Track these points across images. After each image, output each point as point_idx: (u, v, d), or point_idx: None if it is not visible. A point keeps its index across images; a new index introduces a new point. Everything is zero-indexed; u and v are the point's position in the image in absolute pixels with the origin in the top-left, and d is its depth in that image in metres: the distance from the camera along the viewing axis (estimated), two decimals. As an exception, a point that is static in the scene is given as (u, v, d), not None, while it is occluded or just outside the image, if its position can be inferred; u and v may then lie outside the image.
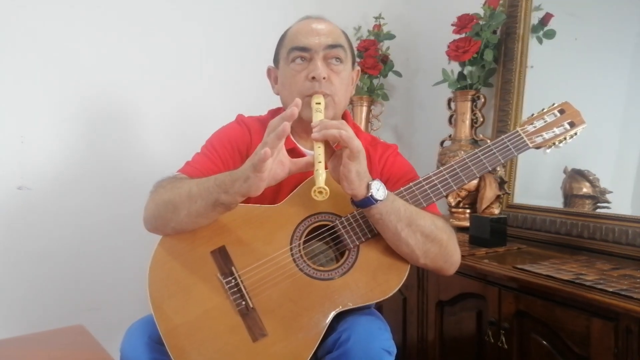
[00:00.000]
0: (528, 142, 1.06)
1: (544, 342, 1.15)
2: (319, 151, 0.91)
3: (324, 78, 1.06)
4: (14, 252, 1.59)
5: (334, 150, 0.94)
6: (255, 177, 0.89)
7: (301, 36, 1.09)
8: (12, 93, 1.57)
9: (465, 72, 1.76)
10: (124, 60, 1.72)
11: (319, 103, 1.03)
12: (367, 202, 0.92)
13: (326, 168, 0.92)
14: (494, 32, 1.70)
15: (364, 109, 2.05)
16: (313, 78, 1.06)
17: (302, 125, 1.12)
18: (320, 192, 0.87)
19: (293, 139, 1.13)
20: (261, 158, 0.86)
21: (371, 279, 0.98)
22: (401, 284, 0.99)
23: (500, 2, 1.69)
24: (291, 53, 1.09)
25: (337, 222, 1.01)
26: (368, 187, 0.92)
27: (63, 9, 1.62)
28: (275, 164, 0.92)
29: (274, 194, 1.08)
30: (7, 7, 1.55)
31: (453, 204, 1.74)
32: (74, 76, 1.65)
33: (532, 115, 1.10)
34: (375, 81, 2.04)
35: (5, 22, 1.55)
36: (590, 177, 1.47)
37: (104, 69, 1.69)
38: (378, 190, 0.92)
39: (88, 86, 1.67)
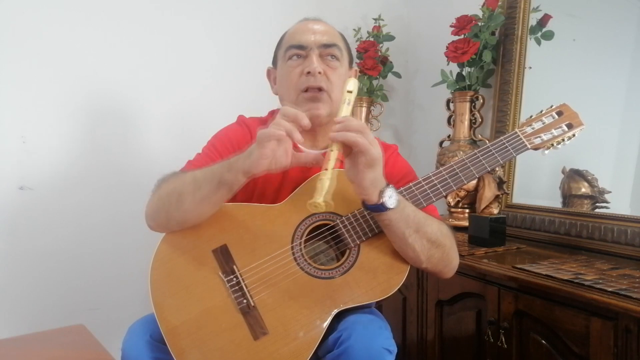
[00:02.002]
0: (527, 143, 1.07)
1: (543, 342, 1.15)
2: (332, 155, 0.89)
3: (319, 73, 1.07)
4: (15, 251, 1.59)
5: (352, 148, 0.91)
6: (257, 153, 0.88)
7: (298, 35, 1.11)
8: (13, 93, 1.57)
9: (464, 73, 1.77)
10: (125, 60, 1.72)
11: (350, 92, 0.97)
12: (378, 208, 0.92)
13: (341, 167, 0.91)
14: (493, 33, 1.71)
15: (364, 109, 2.06)
16: (308, 73, 1.07)
17: None
18: (316, 207, 0.86)
19: None
20: (269, 135, 0.87)
21: (372, 278, 0.99)
22: (401, 283, 0.99)
23: (499, 3, 1.70)
24: (288, 51, 1.11)
25: (338, 221, 1.01)
26: (381, 194, 0.91)
27: (63, 9, 1.62)
28: (280, 151, 0.90)
29: (275, 193, 1.08)
30: (7, 8, 1.55)
31: (452, 203, 1.74)
32: (74, 76, 1.65)
33: (531, 116, 1.11)
34: (374, 82, 2.05)
35: (6, 22, 1.55)
36: (589, 177, 1.47)
37: (105, 69, 1.69)
38: (390, 197, 0.91)
39: (89, 86, 1.68)
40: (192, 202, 0.96)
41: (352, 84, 0.98)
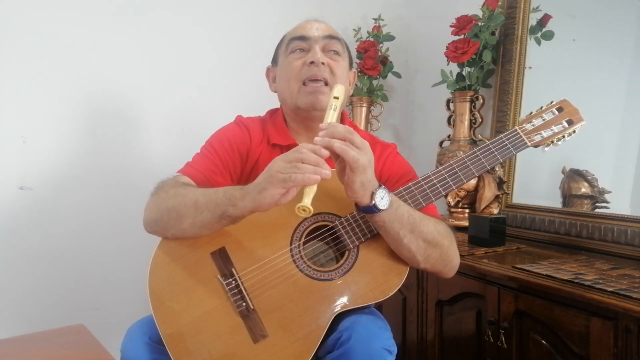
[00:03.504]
0: (526, 140, 1.06)
1: (543, 342, 1.15)
2: None
3: (322, 63, 1.07)
4: (15, 251, 1.59)
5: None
6: (274, 191, 0.87)
7: (300, 29, 1.12)
8: (14, 93, 1.57)
9: (464, 73, 1.76)
10: (125, 60, 1.72)
11: (337, 98, 0.99)
12: (370, 210, 0.92)
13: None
14: (493, 33, 1.71)
15: (364, 109, 2.06)
16: (312, 63, 1.07)
17: (300, 117, 1.13)
18: (304, 210, 0.86)
19: (291, 136, 1.14)
20: (300, 182, 0.84)
21: (371, 279, 0.98)
22: (401, 284, 0.99)
23: (499, 3, 1.69)
24: (290, 44, 1.11)
25: (337, 222, 1.01)
26: (372, 195, 0.91)
27: (63, 9, 1.62)
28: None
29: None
30: (7, 8, 1.55)
31: (452, 203, 1.74)
32: (74, 76, 1.65)
33: (531, 113, 1.10)
34: (374, 82, 2.05)
35: (6, 22, 1.55)
36: (589, 177, 1.47)
37: (105, 70, 1.69)
38: (382, 199, 0.91)
39: (89, 86, 1.68)
40: (192, 225, 0.96)
41: (339, 90, 0.99)
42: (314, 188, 0.87)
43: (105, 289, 1.71)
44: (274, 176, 0.87)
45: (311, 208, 0.85)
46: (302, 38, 1.10)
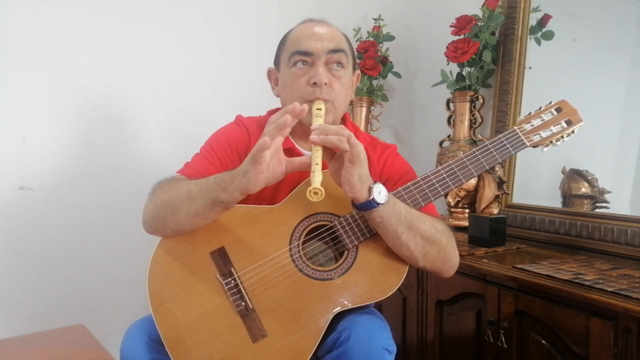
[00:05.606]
0: (525, 140, 1.06)
1: (544, 342, 1.15)
2: (317, 154, 0.91)
3: (325, 84, 1.06)
4: (15, 251, 1.59)
5: (334, 152, 0.94)
6: (254, 170, 0.89)
7: (303, 40, 1.09)
8: (14, 93, 1.57)
9: (464, 73, 1.76)
10: (125, 61, 1.72)
11: (320, 109, 1.04)
12: (369, 205, 0.92)
13: (324, 169, 0.92)
14: (493, 33, 1.71)
15: (364, 109, 2.06)
16: (314, 84, 1.06)
17: (302, 128, 1.13)
18: (316, 193, 0.86)
19: (291, 140, 1.14)
20: (260, 147, 0.86)
21: (370, 279, 0.98)
22: (400, 283, 0.99)
23: (499, 3, 1.69)
24: (293, 57, 1.09)
25: (336, 222, 1.01)
26: (370, 190, 0.91)
27: (63, 10, 1.62)
28: (273, 161, 0.92)
29: (273, 194, 1.08)
30: (7, 9, 1.55)
31: (452, 203, 1.74)
32: (74, 77, 1.65)
33: (530, 113, 1.11)
34: (374, 82, 2.05)
35: (6, 22, 1.55)
36: (589, 177, 1.47)
37: (105, 70, 1.70)
38: (380, 193, 0.91)
39: (89, 87, 1.68)
40: (187, 216, 0.96)
41: (319, 104, 1.04)
42: (319, 170, 0.88)
43: (105, 289, 1.72)
44: (249, 156, 0.89)
45: (322, 189, 0.86)
46: (306, 53, 1.08)
